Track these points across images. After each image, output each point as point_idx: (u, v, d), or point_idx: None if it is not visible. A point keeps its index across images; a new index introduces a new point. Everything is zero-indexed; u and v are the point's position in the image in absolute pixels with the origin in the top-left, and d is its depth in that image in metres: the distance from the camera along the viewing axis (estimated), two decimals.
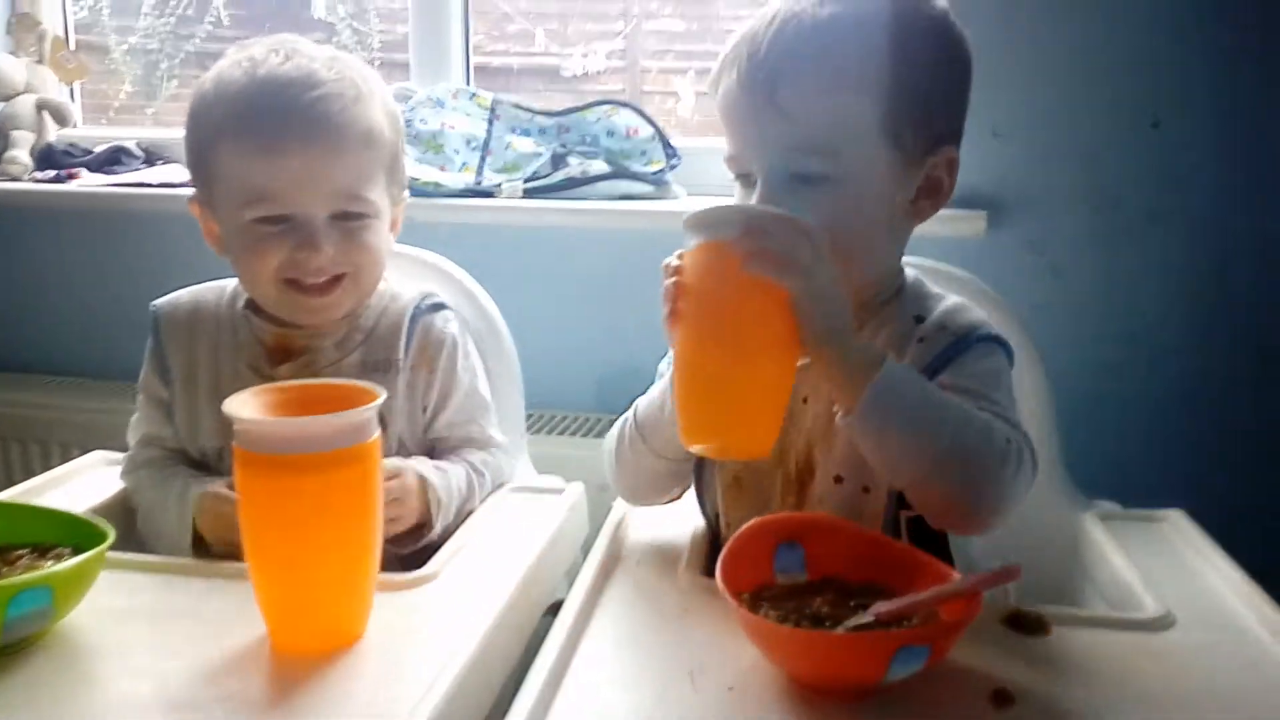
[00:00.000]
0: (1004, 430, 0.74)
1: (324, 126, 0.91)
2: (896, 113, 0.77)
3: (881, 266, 0.84)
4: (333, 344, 0.99)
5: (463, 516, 0.96)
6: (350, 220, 0.94)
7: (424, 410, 1.01)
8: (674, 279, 0.75)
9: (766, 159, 0.78)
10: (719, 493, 0.87)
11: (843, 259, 0.73)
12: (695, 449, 0.74)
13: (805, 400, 0.83)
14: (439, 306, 1.05)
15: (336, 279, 0.95)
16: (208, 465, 0.98)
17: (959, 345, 0.80)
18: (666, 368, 0.92)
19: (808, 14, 0.77)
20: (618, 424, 0.91)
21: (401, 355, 0.99)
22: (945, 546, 0.79)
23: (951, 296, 0.85)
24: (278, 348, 0.98)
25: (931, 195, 0.81)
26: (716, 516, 0.89)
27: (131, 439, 1.01)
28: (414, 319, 1.01)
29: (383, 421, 0.93)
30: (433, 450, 1.01)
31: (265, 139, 0.91)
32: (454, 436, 1.02)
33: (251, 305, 1.00)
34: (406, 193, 1.05)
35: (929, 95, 0.79)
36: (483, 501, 0.99)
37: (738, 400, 0.72)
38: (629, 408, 0.91)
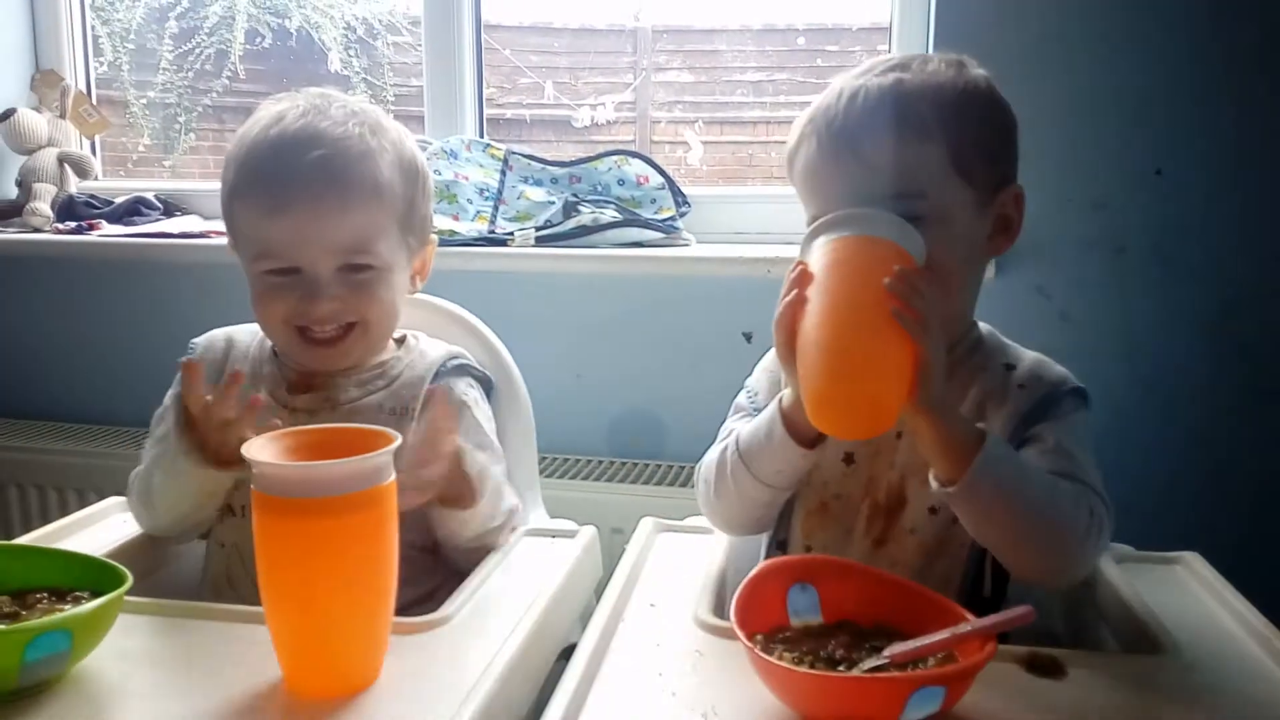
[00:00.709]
0: (1087, 500, 0.80)
1: (325, 185, 0.94)
2: (963, 152, 0.85)
3: (968, 309, 0.92)
4: (355, 384, 1.01)
5: (486, 542, 0.96)
6: (358, 273, 0.97)
7: None
8: (798, 270, 0.81)
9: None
10: (800, 519, 0.91)
11: (944, 295, 0.80)
12: (824, 421, 0.75)
13: (899, 435, 0.87)
14: (464, 370, 1.07)
15: (347, 328, 0.98)
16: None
17: (1053, 395, 0.87)
18: (746, 402, 0.97)
19: (873, 83, 0.86)
20: (713, 456, 0.94)
21: (419, 406, 1.00)
22: (1006, 583, 0.85)
23: (1022, 348, 0.92)
24: (301, 381, 1.02)
25: (1004, 231, 0.89)
26: (783, 543, 0.93)
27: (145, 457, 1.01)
28: (437, 376, 1.04)
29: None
30: None
31: (270, 199, 0.95)
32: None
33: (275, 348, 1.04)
34: (434, 240, 1.07)
35: (989, 138, 0.88)
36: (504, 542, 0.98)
37: (869, 365, 0.75)
38: (711, 448, 0.95)
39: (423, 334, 1.11)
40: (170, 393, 1.02)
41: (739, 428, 0.93)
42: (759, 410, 0.95)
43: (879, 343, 0.74)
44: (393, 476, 0.72)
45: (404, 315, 1.05)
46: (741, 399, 1.00)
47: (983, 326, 0.94)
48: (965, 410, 0.87)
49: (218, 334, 1.09)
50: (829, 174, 0.86)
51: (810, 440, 0.85)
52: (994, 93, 0.89)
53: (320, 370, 1.01)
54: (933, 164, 0.84)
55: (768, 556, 0.95)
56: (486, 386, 1.10)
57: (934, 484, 0.79)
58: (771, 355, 0.99)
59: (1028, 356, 0.92)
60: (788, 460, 0.86)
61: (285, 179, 0.94)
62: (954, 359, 0.88)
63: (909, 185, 0.83)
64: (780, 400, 0.87)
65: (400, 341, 1.08)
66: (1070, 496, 0.80)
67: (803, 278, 0.80)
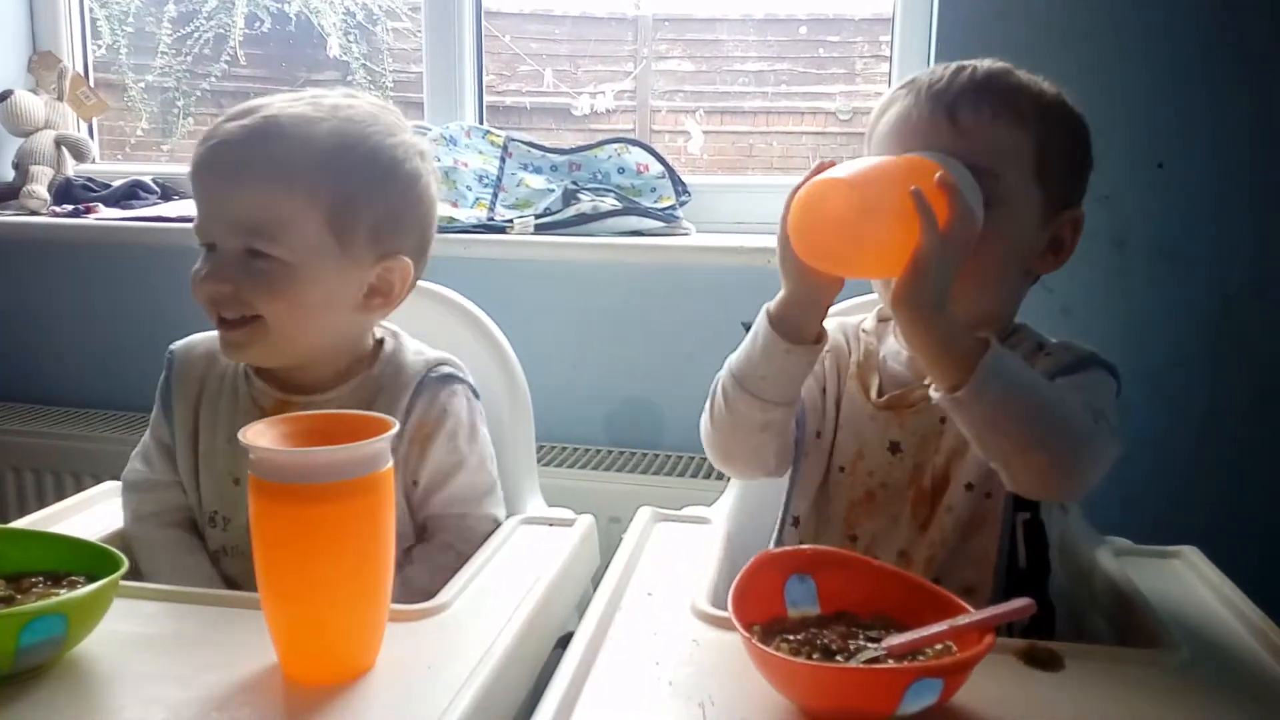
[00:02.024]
0: (1093, 412, 0.80)
1: (231, 153, 0.90)
2: (1048, 155, 0.86)
3: (1004, 308, 0.93)
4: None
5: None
6: (259, 259, 0.90)
7: (414, 484, 0.97)
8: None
9: None
10: (844, 508, 0.92)
11: (977, 280, 0.83)
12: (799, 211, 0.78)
13: (943, 420, 0.88)
14: (449, 379, 1.00)
15: (246, 320, 0.92)
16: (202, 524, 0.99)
17: (1079, 363, 0.88)
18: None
19: (983, 65, 0.89)
20: (711, 392, 0.93)
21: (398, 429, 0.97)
22: (1045, 554, 0.87)
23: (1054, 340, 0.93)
24: (275, 412, 0.92)
25: (1055, 251, 0.91)
26: (796, 520, 0.94)
27: (137, 465, 1.01)
28: (418, 390, 0.97)
29: None
30: (424, 528, 0.98)
31: (192, 167, 0.93)
32: (449, 516, 0.98)
33: (251, 366, 0.99)
34: (404, 261, 0.96)
35: (1073, 153, 0.90)
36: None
37: (872, 209, 0.76)
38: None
39: (404, 334, 1.03)
40: (155, 410, 1.02)
41: None
42: None
43: (891, 199, 0.76)
44: (390, 463, 0.72)
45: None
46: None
47: (1018, 322, 0.95)
48: None
49: (198, 345, 1.02)
50: (918, 128, 0.87)
51: (792, 334, 0.84)
52: (1085, 128, 0.91)
53: (285, 395, 0.97)
54: (1018, 152, 0.86)
55: (779, 534, 0.96)
56: (473, 392, 1.03)
57: (934, 394, 0.78)
58: None
59: (1057, 339, 0.93)
60: (772, 362, 0.85)
61: (204, 144, 0.92)
62: None
63: (990, 162, 0.84)
64: (767, 307, 0.87)
65: (378, 348, 1.01)
66: (1077, 404, 0.79)
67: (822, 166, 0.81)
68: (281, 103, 0.93)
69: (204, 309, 0.93)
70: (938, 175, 0.78)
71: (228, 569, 0.97)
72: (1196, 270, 1.55)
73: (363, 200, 0.92)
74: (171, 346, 1.03)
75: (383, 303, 0.97)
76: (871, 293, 1.04)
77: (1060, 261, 0.91)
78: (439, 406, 0.98)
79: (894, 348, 0.96)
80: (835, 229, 0.76)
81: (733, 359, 0.90)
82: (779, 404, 0.87)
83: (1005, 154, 0.85)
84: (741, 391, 0.87)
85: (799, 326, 0.85)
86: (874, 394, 0.93)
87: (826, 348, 0.92)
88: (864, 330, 0.99)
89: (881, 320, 0.99)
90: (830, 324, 0.96)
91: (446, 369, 1.00)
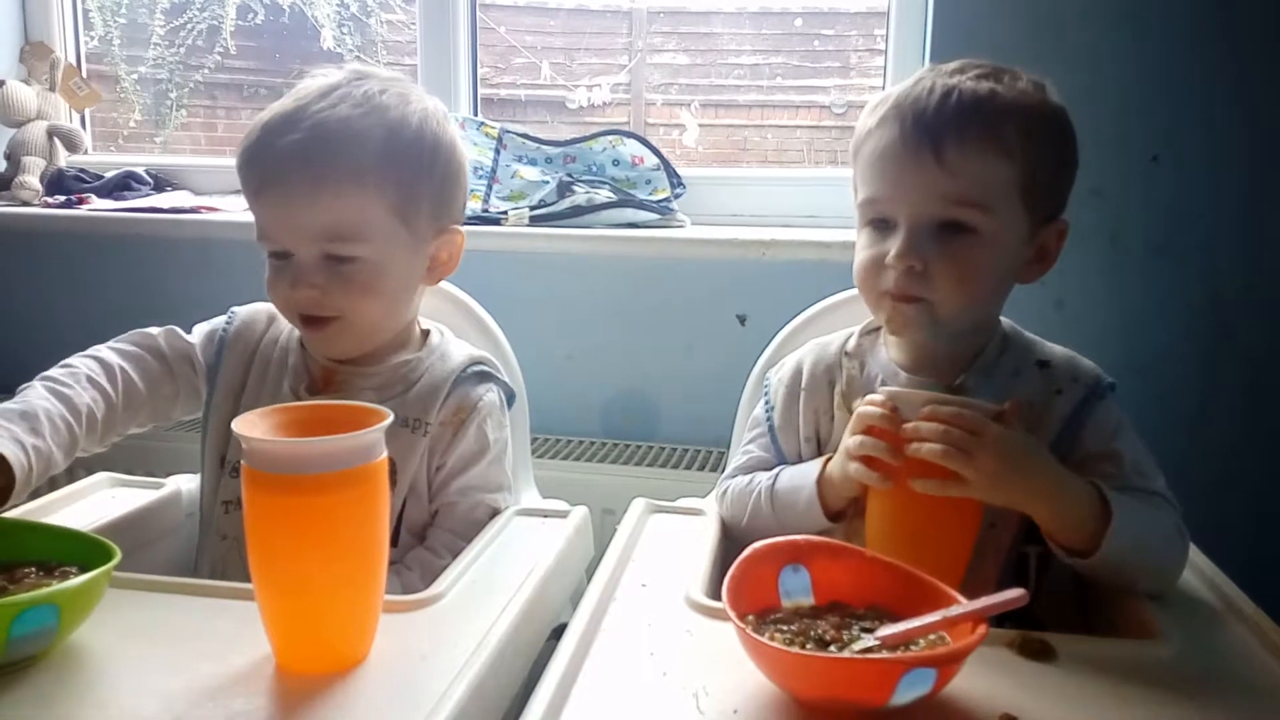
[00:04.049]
0: (1176, 520, 0.86)
1: (296, 169, 0.92)
2: (1033, 181, 0.87)
3: (991, 317, 0.95)
4: (373, 388, 1.00)
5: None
6: (342, 264, 0.94)
7: (437, 470, 1.00)
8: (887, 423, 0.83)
9: (919, 206, 0.87)
10: (842, 535, 0.92)
11: (965, 300, 0.87)
12: None
13: None
14: (485, 376, 1.05)
15: (329, 320, 0.96)
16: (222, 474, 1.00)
17: (1091, 397, 0.91)
18: (764, 416, 1.01)
19: (968, 87, 0.87)
20: (739, 487, 0.98)
21: (433, 418, 0.99)
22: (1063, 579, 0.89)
23: (1045, 342, 0.97)
24: (322, 378, 1.01)
25: (1040, 260, 0.92)
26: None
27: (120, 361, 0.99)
28: (459, 380, 1.02)
29: (393, 479, 0.95)
30: (436, 513, 1.00)
31: (254, 181, 0.96)
32: (462, 505, 0.99)
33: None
34: (459, 230, 1.03)
35: (1057, 172, 0.90)
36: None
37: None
38: (740, 470, 1.01)
39: (449, 330, 1.09)
40: (202, 334, 1.04)
41: (758, 465, 0.98)
42: (773, 427, 1.00)
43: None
44: (384, 454, 0.72)
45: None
46: (759, 412, 1.03)
47: (1004, 323, 0.96)
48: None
49: (261, 311, 1.07)
50: (903, 164, 0.87)
51: (835, 514, 0.89)
52: (1069, 127, 0.91)
53: (332, 359, 1.01)
54: (1004, 183, 0.86)
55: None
56: (507, 396, 1.08)
57: (1059, 551, 0.83)
58: (790, 367, 1.01)
59: (1057, 353, 0.95)
60: (815, 526, 0.89)
61: (263, 161, 0.94)
62: (984, 362, 0.93)
63: (978, 197, 0.85)
64: (824, 465, 0.90)
65: (425, 335, 1.06)
66: (1171, 528, 0.85)
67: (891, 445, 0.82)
68: (316, 106, 0.94)
69: (282, 311, 0.98)
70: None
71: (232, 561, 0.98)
72: (1189, 264, 1.55)
73: (420, 182, 0.97)
74: (234, 308, 1.07)
75: (444, 271, 1.04)
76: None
77: (1045, 269, 0.93)
78: (475, 397, 1.02)
79: (887, 363, 0.96)
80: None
81: (778, 495, 0.94)
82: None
83: (991, 187, 0.85)
84: (780, 525, 0.91)
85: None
86: None
87: (802, 385, 0.98)
88: (846, 352, 0.99)
89: (868, 333, 0.99)
90: (806, 355, 1.00)
91: (487, 367, 1.05)
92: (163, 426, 1.03)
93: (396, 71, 1.04)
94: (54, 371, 0.93)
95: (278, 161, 0.93)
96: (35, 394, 0.89)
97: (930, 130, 0.85)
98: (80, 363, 0.96)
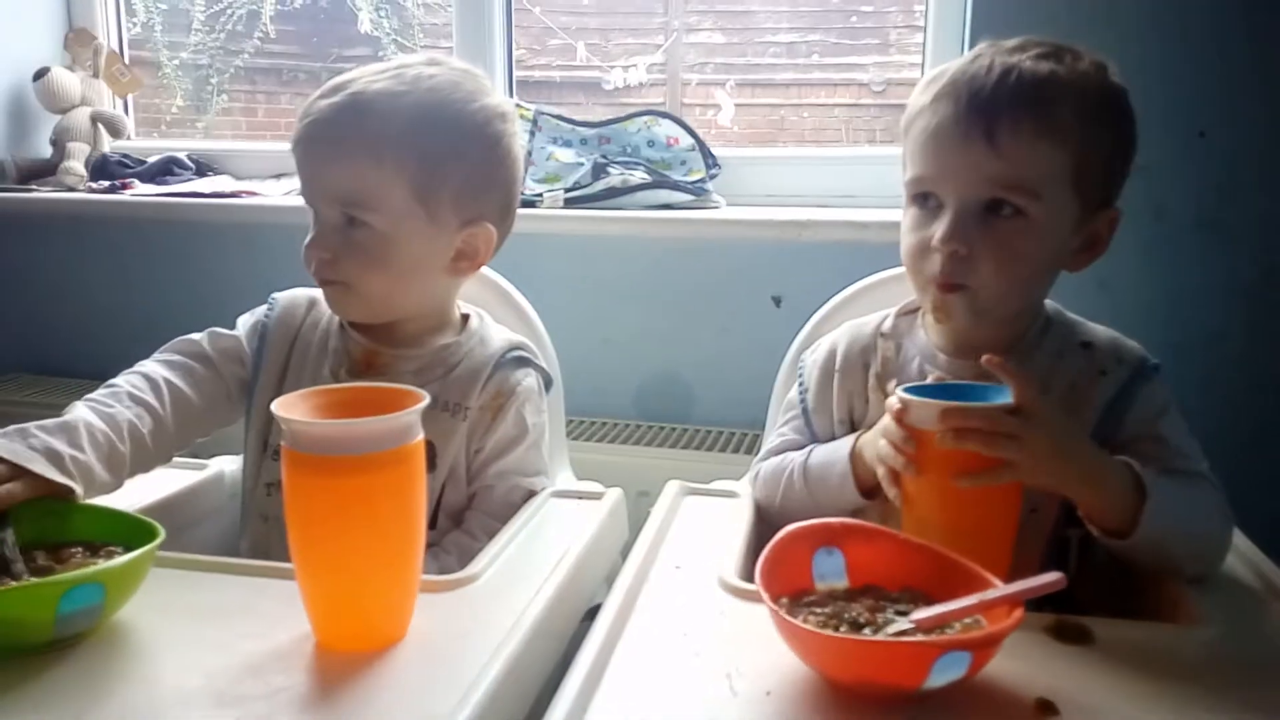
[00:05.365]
0: (1219, 500, 0.85)
1: (323, 128, 0.96)
2: (1087, 167, 0.85)
3: (1035, 303, 0.93)
4: (413, 371, 1.01)
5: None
6: (355, 229, 0.96)
7: (476, 453, 1.01)
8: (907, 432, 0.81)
9: (968, 188, 0.85)
10: (878, 519, 0.91)
11: (1008, 286, 0.86)
12: None
13: None
14: (523, 362, 1.05)
15: (338, 283, 0.98)
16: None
17: (1136, 379, 0.90)
18: (798, 398, 1.01)
19: (1027, 67, 0.84)
20: (771, 468, 0.98)
21: (473, 402, 1.00)
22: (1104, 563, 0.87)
23: (1089, 323, 0.95)
24: (363, 360, 1.02)
25: (1090, 249, 0.90)
26: None
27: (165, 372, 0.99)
28: (499, 365, 1.03)
29: (433, 462, 0.96)
30: (473, 496, 1.01)
31: (294, 138, 0.98)
32: (499, 488, 1.00)
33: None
34: (488, 228, 1.01)
35: (1111, 156, 0.87)
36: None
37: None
38: (774, 452, 1.01)
39: (488, 315, 1.09)
40: (243, 332, 1.05)
41: (791, 447, 0.97)
42: (807, 409, 0.99)
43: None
44: (420, 435, 0.72)
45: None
46: (793, 394, 1.02)
47: (1048, 305, 0.95)
48: (1055, 404, 0.87)
49: (301, 296, 1.08)
50: (954, 143, 0.85)
51: (868, 489, 0.88)
52: (1129, 110, 0.88)
53: (352, 323, 1.03)
54: (1057, 169, 0.84)
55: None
56: (545, 381, 1.08)
57: (1097, 533, 0.82)
58: (824, 349, 1.01)
59: (1100, 334, 0.93)
60: (850, 502, 0.89)
61: (302, 118, 0.97)
62: (1026, 344, 0.92)
63: (1029, 182, 0.84)
64: (856, 440, 0.90)
65: (465, 320, 1.07)
66: (1213, 508, 0.84)
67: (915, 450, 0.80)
68: (368, 78, 0.97)
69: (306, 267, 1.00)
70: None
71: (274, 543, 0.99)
72: (1239, 241, 1.51)
73: (445, 168, 0.97)
74: (274, 295, 1.09)
75: (469, 266, 1.03)
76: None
77: (1094, 258, 0.91)
78: (514, 381, 1.03)
79: (926, 345, 0.95)
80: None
81: (811, 472, 0.95)
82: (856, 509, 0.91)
83: (1043, 173, 0.84)
84: (815, 503, 0.91)
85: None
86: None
87: (836, 367, 0.97)
88: (882, 333, 0.98)
89: (905, 314, 0.98)
90: (840, 336, 1.00)
91: (525, 353, 1.06)
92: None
93: (470, 65, 1.04)
94: (97, 392, 0.94)
95: (312, 121, 0.96)
96: (77, 411, 0.90)
97: (984, 110, 0.83)
98: (123, 380, 0.96)
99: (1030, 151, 0.83)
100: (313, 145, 0.97)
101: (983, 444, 0.76)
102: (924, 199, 0.89)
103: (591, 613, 0.78)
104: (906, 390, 0.81)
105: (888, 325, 0.98)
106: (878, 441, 0.84)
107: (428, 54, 1.03)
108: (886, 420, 0.83)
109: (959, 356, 0.92)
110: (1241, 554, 0.88)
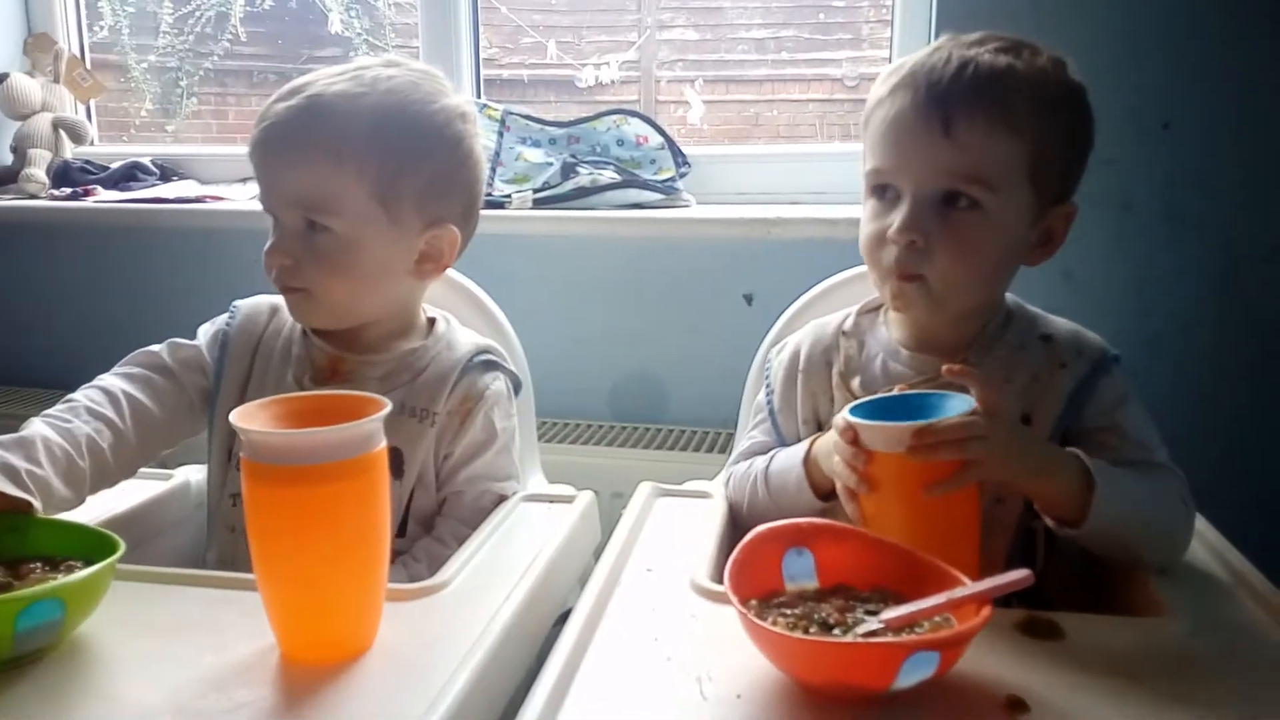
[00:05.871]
0: (1178, 487, 0.85)
1: (279, 132, 0.95)
2: (1043, 161, 0.85)
3: (995, 298, 0.93)
4: (378, 378, 0.99)
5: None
6: (316, 233, 0.95)
7: (445, 459, 1.00)
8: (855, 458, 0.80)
9: (924, 179, 0.85)
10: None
11: (965, 277, 0.86)
12: None
13: None
14: (492, 365, 1.04)
15: (298, 289, 0.97)
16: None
17: (1096, 371, 0.90)
18: (765, 400, 1.01)
19: (985, 60, 0.85)
20: (740, 473, 0.98)
21: (440, 407, 0.99)
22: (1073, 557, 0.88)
23: (1050, 316, 0.95)
24: (327, 367, 1.01)
25: (1045, 244, 0.91)
26: None
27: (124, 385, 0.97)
28: (466, 369, 1.02)
29: (400, 469, 0.96)
30: (443, 502, 1.00)
31: (250, 143, 0.97)
32: (469, 494, 0.99)
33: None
34: (452, 230, 0.99)
35: (1068, 152, 0.88)
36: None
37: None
38: (742, 456, 1.01)
39: (454, 319, 1.08)
40: (202, 341, 1.04)
41: (760, 450, 0.97)
42: (774, 411, 0.99)
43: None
44: (383, 443, 0.71)
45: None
46: (761, 397, 1.02)
47: (1009, 299, 0.95)
48: (1016, 396, 0.89)
49: (264, 303, 1.07)
50: (911, 134, 0.85)
51: (826, 494, 0.88)
52: (1087, 106, 0.88)
53: (314, 329, 1.01)
54: (1013, 162, 0.84)
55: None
56: (514, 384, 1.08)
57: (1052, 524, 0.82)
58: (789, 350, 1.01)
59: (1061, 327, 0.93)
60: (809, 507, 0.88)
61: (259, 123, 0.96)
62: (986, 338, 0.92)
63: (985, 174, 0.84)
64: (810, 446, 0.90)
65: (431, 324, 1.06)
66: (1172, 496, 0.84)
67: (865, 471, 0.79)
68: (325, 80, 0.96)
69: (266, 274, 0.98)
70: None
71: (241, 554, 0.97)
72: (1206, 232, 1.52)
73: (406, 170, 0.96)
74: (236, 302, 1.07)
75: (434, 268, 1.01)
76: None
77: (1050, 253, 0.91)
78: (482, 385, 1.02)
79: (888, 342, 0.95)
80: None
81: (771, 480, 0.94)
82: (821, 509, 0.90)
83: (999, 165, 0.84)
84: (779, 509, 0.90)
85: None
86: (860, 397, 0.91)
87: (800, 367, 0.97)
88: (844, 332, 0.98)
89: (867, 312, 0.98)
90: (804, 337, 1.00)
91: (493, 356, 1.05)
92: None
93: (430, 66, 1.03)
94: (54, 408, 0.92)
95: (270, 125, 0.95)
96: (34, 427, 0.88)
97: (941, 101, 0.84)
98: (81, 395, 0.95)
99: (986, 143, 0.83)
100: (271, 149, 0.95)
101: (956, 451, 0.75)
102: (882, 190, 0.89)
103: (564, 617, 0.78)
104: (852, 412, 0.80)
105: (849, 324, 0.98)
106: (832, 458, 0.83)
107: (386, 56, 1.02)
108: (837, 437, 0.81)
109: (921, 352, 0.92)
110: (1209, 544, 0.89)
